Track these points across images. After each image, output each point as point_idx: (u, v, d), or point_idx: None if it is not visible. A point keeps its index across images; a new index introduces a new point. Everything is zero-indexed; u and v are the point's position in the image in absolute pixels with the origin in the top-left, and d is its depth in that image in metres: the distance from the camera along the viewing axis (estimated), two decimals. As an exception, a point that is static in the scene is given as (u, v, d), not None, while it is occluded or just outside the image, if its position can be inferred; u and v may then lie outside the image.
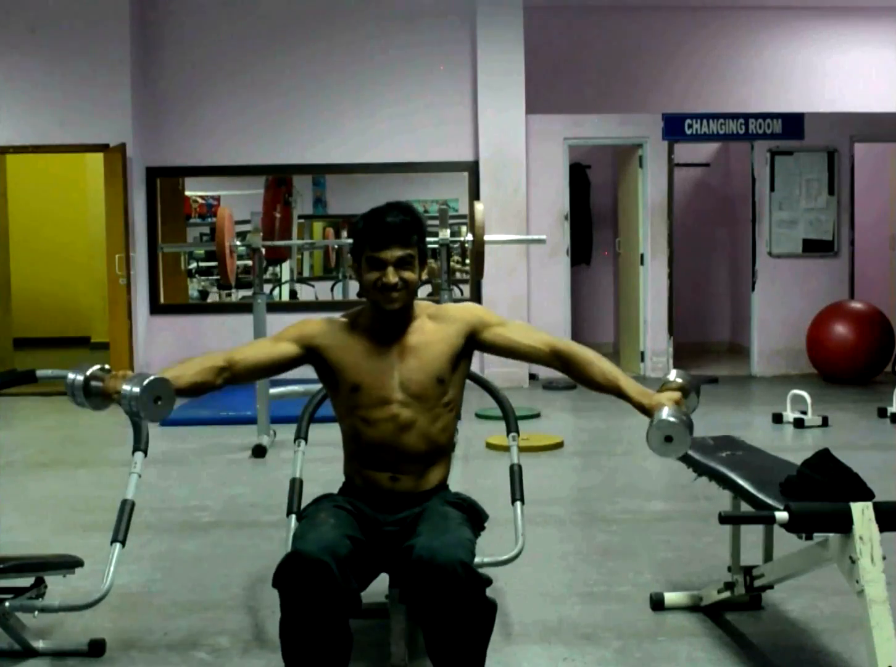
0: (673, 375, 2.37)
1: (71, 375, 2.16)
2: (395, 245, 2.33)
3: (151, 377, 2.11)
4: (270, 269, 10.18)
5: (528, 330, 2.50)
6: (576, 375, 2.41)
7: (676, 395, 2.28)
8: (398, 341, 2.41)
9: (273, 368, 2.40)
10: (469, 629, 2.14)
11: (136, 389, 2.09)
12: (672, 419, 2.18)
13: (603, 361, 2.39)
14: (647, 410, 2.27)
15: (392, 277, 2.33)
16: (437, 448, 2.44)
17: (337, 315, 2.53)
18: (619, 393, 2.34)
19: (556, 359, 2.43)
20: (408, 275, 2.35)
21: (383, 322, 2.40)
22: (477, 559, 2.38)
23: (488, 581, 2.22)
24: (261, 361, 2.38)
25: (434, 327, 2.43)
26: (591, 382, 2.39)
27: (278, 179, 9.78)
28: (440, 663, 2.18)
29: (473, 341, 2.45)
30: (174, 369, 2.26)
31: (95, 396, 2.16)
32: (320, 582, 2.11)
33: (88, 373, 2.16)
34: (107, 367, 2.18)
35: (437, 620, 2.13)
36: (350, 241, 2.45)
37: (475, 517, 2.42)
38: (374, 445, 2.39)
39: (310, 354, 2.41)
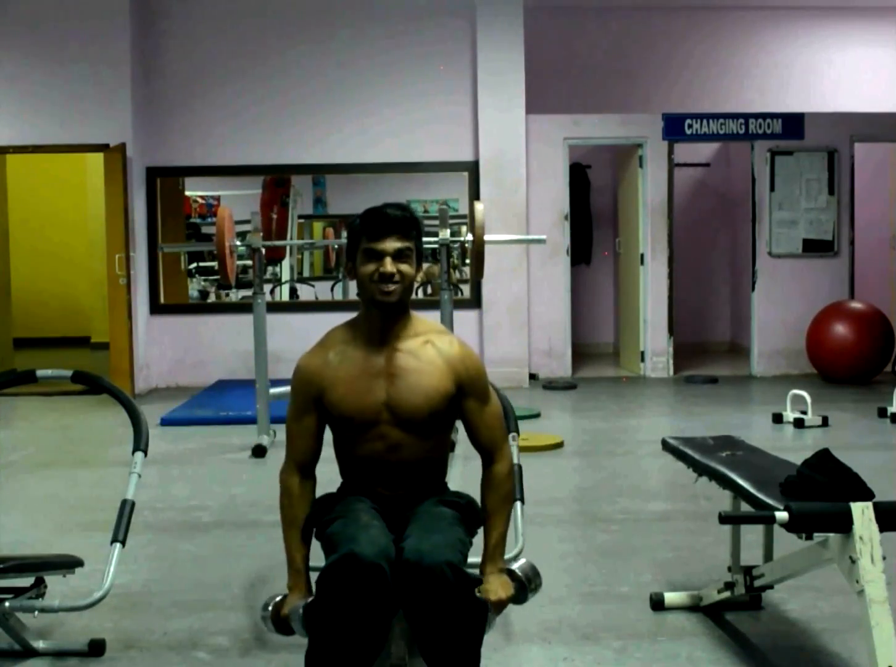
0: (518, 565, 2.37)
1: (262, 616, 2.34)
2: (394, 236, 2.31)
3: (300, 612, 2.22)
4: (270, 269, 10.17)
5: (494, 425, 2.42)
6: (482, 483, 2.42)
7: (504, 594, 2.26)
8: (390, 355, 2.34)
9: (320, 440, 2.42)
10: (459, 630, 2.14)
11: (297, 619, 2.23)
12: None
13: (506, 504, 2.39)
14: (481, 574, 2.30)
15: (390, 266, 2.29)
16: (431, 461, 2.43)
17: (334, 317, 2.50)
18: (485, 539, 2.36)
19: (485, 462, 2.42)
20: (405, 268, 2.32)
21: (378, 322, 2.36)
22: (476, 559, 2.38)
23: (478, 581, 2.22)
24: (311, 445, 2.41)
25: (432, 356, 2.36)
26: (482, 502, 2.40)
27: (276, 180, 9.77)
28: (433, 665, 2.17)
29: (459, 393, 2.39)
30: (293, 540, 2.35)
31: (284, 628, 2.30)
32: (375, 586, 2.09)
33: (270, 612, 2.32)
34: (278, 598, 2.33)
35: (427, 621, 2.13)
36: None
37: (471, 516, 2.40)
38: (365, 463, 2.38)
39: (319, 403, 2.39)
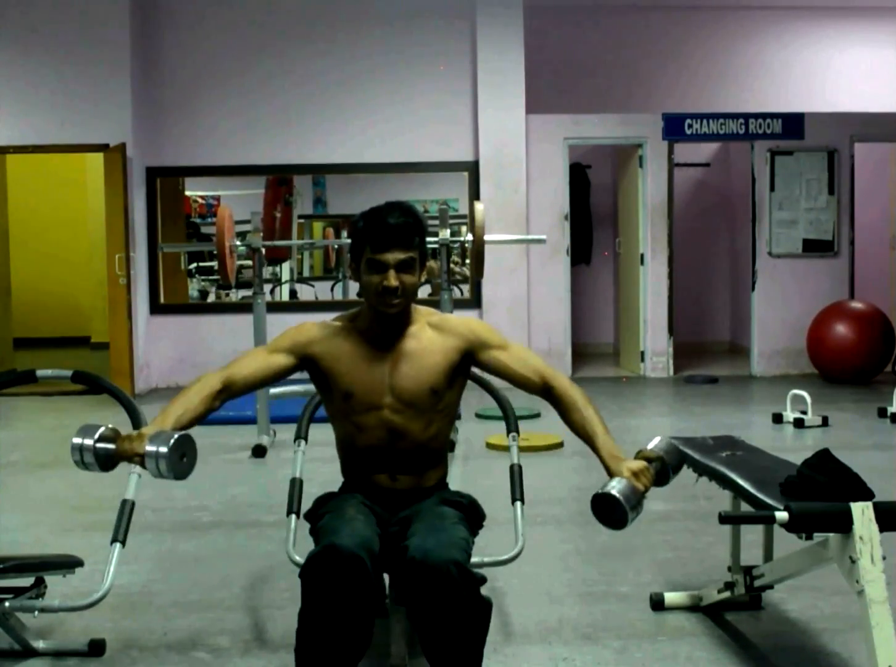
0: (653, 444, 2.25)
1: (77, 440, 2.06)
2: (397, 248, 2.30)
3: (175, 436, 2.05)
4: (270, 269, 10.16)
5: (525, 357, 2.42)
6: (559, 413, 2.37)
7: (640, 466, 2.17)
8: (394, 346, 2.38)
9: (268, 381, 2.39)
10: (464, 629, 2.14)
11: (164, 450, 2.03)
12: (615, 494, 2.10)
13: (588, 408, 2.31)
14: (611, 475, 2.20)
15: (393, 280, 2.29)
16: (431, 452, 2.43)
17: (335, 315, 2.51)
18: (592, 447, 2.28)
19: (546, 393, 2.38)
20: (408, 278, 2.32)
21: (381, 325, 2.39)
22: (477, 559, 2.38)
23: (482, 580, 2.22)
24: (257, 376, 2.35)
25: (432, 336, 2.40)
26: (571, 425, 2.34)
27: (279, 179, 9.77)
28: (436, 664, 2.18)
29: (470, 359, 2.41)
30: (175, 407, 2.20)
31: (106, 459, 2.08)
32: (355, 577, 2.10)
33: (97, 436, 2.07)
34: (111, 426, 2.11)
35: (431, 620, 2.13)
36: (350, 240, 2.44)
37: (474, 516, 2.42)
38: (368, 450, 2.39)
39: (304, 362, 2.39)
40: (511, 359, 2.40)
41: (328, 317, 2.54)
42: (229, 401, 2.35)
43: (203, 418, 2.27)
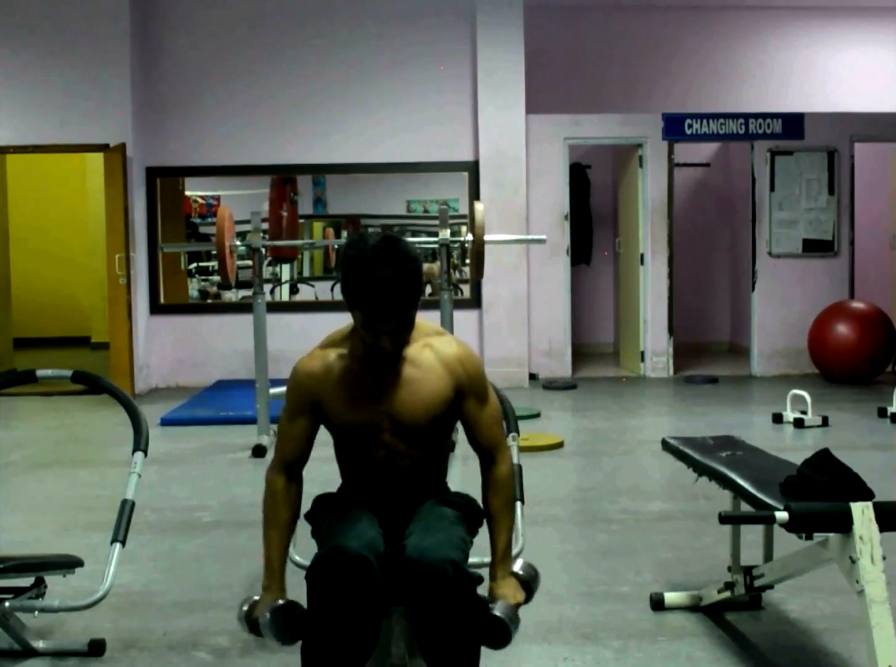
0: (518, 566, 2.35)
1: (242, 624, 2.29)
2: (390, 320, 2.20)
3: (268, 616, 2.18)
4: (270, 268, 10.14)
5: (492, 423, 2.37)
6: (482, 486, 2.37)
7: (521, 598, 2.27)
8: (391, 369, 2.30)
9: (311, 443, 2.39)
10: (460, 628, 2.14)
11: (266, 627, 2.19)
12: (501, 617, 2.20)
13: (505, 507, 2.33)
14: (492, 579, 2.28)
15: (387, 344, 2.23)
16: (433, 465, 2.42)
17: (335, 318, 2.48)
18: (491, 545, 2.32)
19: (485, 463, 2.37)
20: (403, 339, 2.26)
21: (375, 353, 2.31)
22: (476, 559, 2.38)
23: (479, 580, 2.22)
24: (303, 448, 2.36)
25: (431, 361, 2.31)
26: (485, 504, 2.36)
27: (283, 177, 9.75)
28: (433, 663, 2.18)
29: (460, 396, 2.34)
30: (273, 541, 2.29)
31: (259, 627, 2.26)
32: (362, 578, 2.10)
33: (244, 613, 2.27)
34: (255, 598, 2.28)
35: (428, 619, 2.13)
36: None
37: (472, 515, 2.40)
38: (367, 470, 2.37)
39: (314, 409, 2.35)
40: (481, 419, 2.35)
41: (328, 317, 2.53)
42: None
43: (297, 518, 2.36)
